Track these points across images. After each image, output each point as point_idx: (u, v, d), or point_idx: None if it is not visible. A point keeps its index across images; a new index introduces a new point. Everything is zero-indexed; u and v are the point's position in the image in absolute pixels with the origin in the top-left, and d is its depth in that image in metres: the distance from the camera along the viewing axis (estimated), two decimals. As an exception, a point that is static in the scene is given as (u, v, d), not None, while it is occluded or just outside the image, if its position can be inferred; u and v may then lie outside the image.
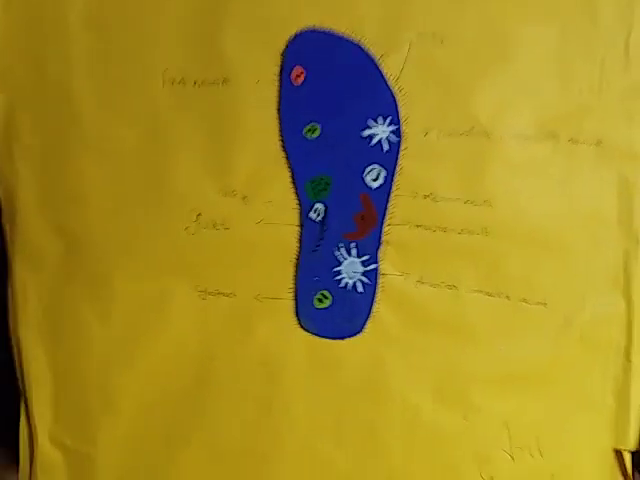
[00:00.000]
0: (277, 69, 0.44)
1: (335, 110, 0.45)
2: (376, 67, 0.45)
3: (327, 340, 0.46)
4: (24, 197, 0.46)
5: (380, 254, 0.46)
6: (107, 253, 0.46)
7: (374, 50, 0.45)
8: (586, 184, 0.47)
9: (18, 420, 0.48)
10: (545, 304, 0.47)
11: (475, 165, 0.46)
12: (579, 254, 0.47)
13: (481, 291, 0.46)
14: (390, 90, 0.45)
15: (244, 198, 0.45)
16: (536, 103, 0.46)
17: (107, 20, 0.45)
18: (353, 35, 0.45)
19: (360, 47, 0.45)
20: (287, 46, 0.44)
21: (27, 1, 0.45)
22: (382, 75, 0.45)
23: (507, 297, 0.46)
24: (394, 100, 0.45)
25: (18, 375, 0.48)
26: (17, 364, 0.48)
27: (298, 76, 0.44)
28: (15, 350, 0.48)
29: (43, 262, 0.47)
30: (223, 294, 0.46)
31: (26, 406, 0.48)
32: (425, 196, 0.46)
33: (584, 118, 0.47)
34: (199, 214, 0.45)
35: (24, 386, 0.48)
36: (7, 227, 0.47)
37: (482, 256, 0.46)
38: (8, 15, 0.45)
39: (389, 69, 0.45)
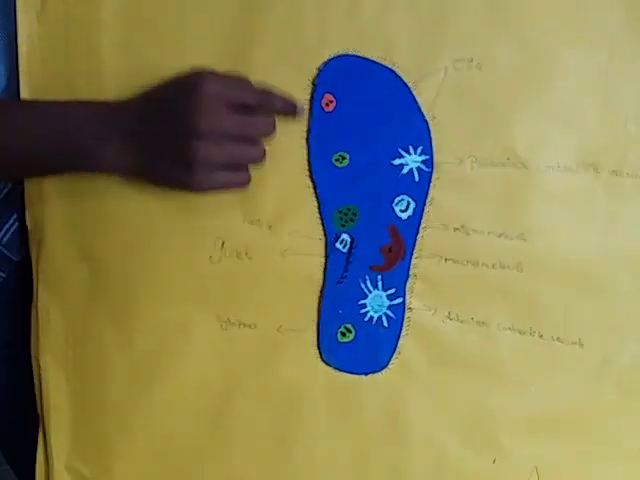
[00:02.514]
0: (307, 96, 0.44)
1: (365, 138, 0.44)
2: (409, 94, 0.44)
3: (349, 375, 0.45)
4: (51, 223, 0.46)
5: (407, 288, 0.45)
6: (131, 280, 0.45)
7: (407, 76, 0.44)
8: (629, 219, 0.46)
9: (35, 446, 0.48)
10: (581, 344, 0.45)
11: (510, 197, 0.45)
12: (620, 293, 0.46)
13: (513, 329, 0.45)
14: (423, 118, 0.44)
15: (270, 227, 0.44)
16: (577, 133, 0.45)
17: (138, 49, 0.44)
18: (386, 61, 0.44)
19: (393, 73, 0.44)
20: (318, 73, 0.43)
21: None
22: (415, 102, 0.44)
23: (540, 336, 0.45)
24: (427, 128, 0.44)
25: (37, 401, 0.48)
26: (37, 390, 0.48)
27: (328, 104, 0.44)
28: (35, 376, 0.47)
29: (67, 288, 0.46)
30: (245, 325, 0.45)
31: (44, 433, 0.48)
32: (456, 229, 0.45)
33: (629, 149, 0.45)
34: (223, 243, 0.44)
35: (43, 412, 0.47)
36: (34, 253, 0.47)
37: (515, 292, 0.45)
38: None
39: (423, 96, 0.44)
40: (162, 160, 0.41)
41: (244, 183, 0.43)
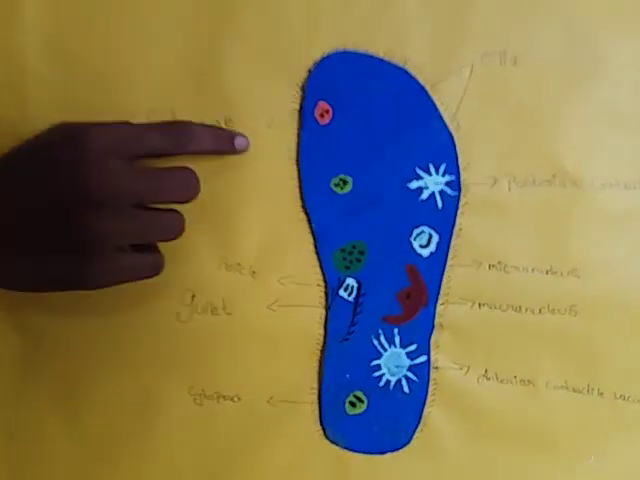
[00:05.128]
0: (296, 107, 0.38)
1: (372, 157, 0.39)
2: (427, 98, 0.39)
3: (362, 456, 0.40)
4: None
5: (432, 342, 0.40)
6: (76, 348, 0.40)
7: (423, 76, 0.38)
8: None
9: None
10: (651, 403, 0.40)
11: (559, 224, 0.39)
12: (698, 339, 0.40)
13: (566, 387, 0.40)
14: (445, 128, 0.39)
15: (253, 273, 0.39)
16: (637, 142, 0.39)
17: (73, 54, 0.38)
18: (395, 57, 0.38)
19: (405, 72, 0.38)
20: (309, 76, 0.38)
21: None
22: (435, 109, 0.39)
23: (600, 394, 0.40)
24: (451, 141, 0.39)
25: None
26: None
27: (323, 114, 0.38)
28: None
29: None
30: (225, 397, 0.40)
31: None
32: (492, 266, 0.39)
33: None
34: (194, 295, 0.39)
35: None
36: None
37: (568, 342, 0.40)
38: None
39: (444, 101, 0.39)
40: (45, 253, 0.32)
41: (156, 268, 0.35)
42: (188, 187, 0.34)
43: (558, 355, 0.40)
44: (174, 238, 0.34)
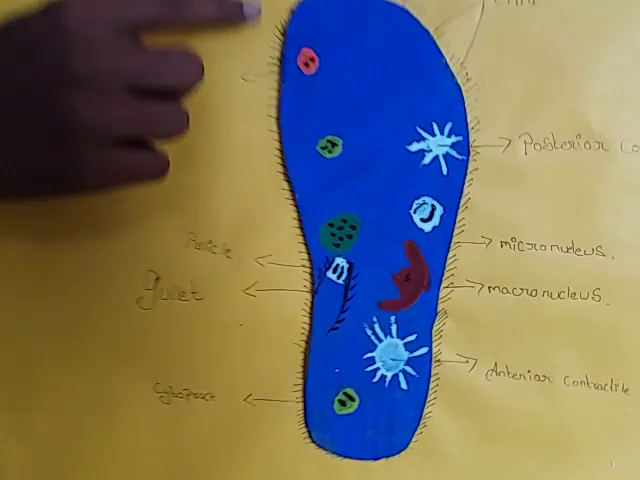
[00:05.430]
0: (275, 54, 0.35)
1: (365, 114, 0.36)
2: (430, 44, 0.36)
3: (354, 462, 0.38)
4: None
5: (434, 331, 0.38)
6: (26, 340, 0.37)
7: (427, 18, 0.35)
8: None
9: None
10: (684, 402, 0.39)
11: (582, 193, 0.37)
12: None
13: (587, 383, 0.38)
14: (452, 80, 0.36)
15: (227, 252, 0.37)
16: None
17: None
18: None
19: (405, 13, 0.35)
20: (291, 17, 0.35)
21: None
22: (440, 57, 0.35)
23: (625, 391, 0.38)
24: (458, 95, 0.36)
25: None
26: None
27: (308, 63, 0.35)
28: None
29: None
30: (196, 396, 0.37)
31: None
32: (504, 243, 0.37)
33: None
34: (157, 278, 0.36)
35: None
36: None
37: (590, 331, 0.38)
38: None
39: (450, 47, 0.36)
40: (26, 148, 0.29)
41: (161, 169, 0.32)
42: (190, 68, 0.30)
43: (579, 346, 0.38)
44: (177, 135, 0.31)
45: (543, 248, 0.37)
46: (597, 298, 0.37)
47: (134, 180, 0.31)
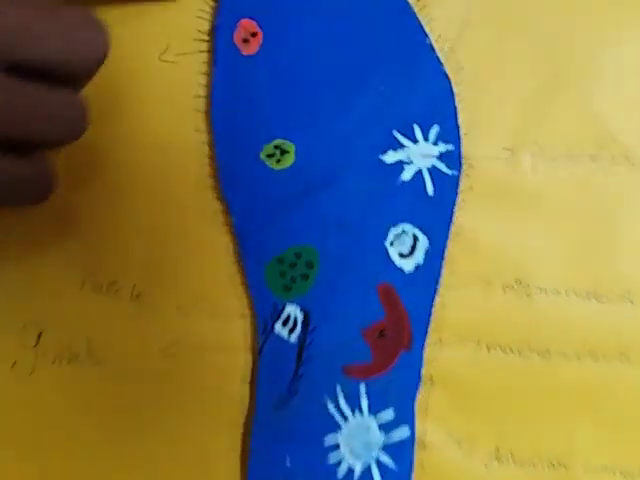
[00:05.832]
0: (205, 27, 0.31)
1: (324, 112, 0.31)
2: (413, 24, 0.31)
3: None
4: None
5: (418, 405, 0.32)
6: None
7: None
8: None
9: None
10: None
11: (606, 221, 0.33)
12: None
13: (613, 470, 0.33)
14: (440, 70, 0.31)
15: (137, 298, 0.31)
16: None
17: None
18: None
19: None
20: None
21: None
22: (424, 39, 0.31)
23: None
24: (448, 90, 0.31)
25: None
26: None
27: (248, 39, 0.30)
28: None
29: None
30: None
31: None
32: (507, 286, 0.32)
33: None
34: (41, 333, 0.31)
35: None
36: None
37: (617, 404, 0.33)
38: None
39: (436, 23, 0.32)
40: None
41: (42, 188, 0.27)
42: (92, 42, 0.25)
43: (602, 423, 0.32)
44: (70, 138, 0.25)
45: (556, 294, 0.32)
46: (625, 359, 0.31)
47: (8, 201, 0.25)
